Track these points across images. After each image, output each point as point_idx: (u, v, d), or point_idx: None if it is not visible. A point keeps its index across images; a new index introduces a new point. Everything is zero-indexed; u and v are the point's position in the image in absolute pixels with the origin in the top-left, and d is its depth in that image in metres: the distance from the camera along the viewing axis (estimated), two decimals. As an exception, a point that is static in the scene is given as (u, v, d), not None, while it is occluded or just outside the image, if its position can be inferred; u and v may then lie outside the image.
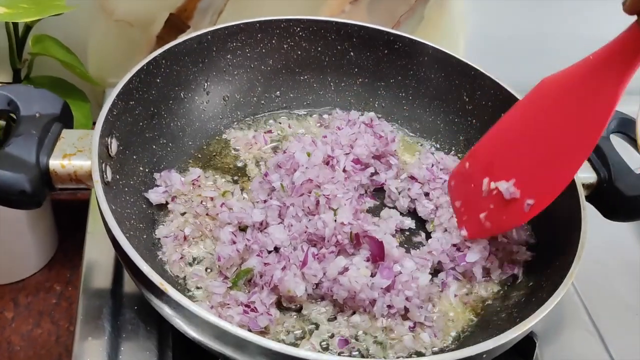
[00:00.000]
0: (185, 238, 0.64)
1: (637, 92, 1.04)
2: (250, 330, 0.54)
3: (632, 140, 0.70)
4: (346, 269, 0.59)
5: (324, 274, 0.59)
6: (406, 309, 0.58)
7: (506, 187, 0.59)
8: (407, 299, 0.58)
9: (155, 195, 0.66)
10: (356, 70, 0.82)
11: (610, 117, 0.53)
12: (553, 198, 0.56)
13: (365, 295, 0.57)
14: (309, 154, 0.69)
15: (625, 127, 0.70)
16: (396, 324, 0.58)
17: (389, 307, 0.58)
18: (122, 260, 0.53)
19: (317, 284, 0.59)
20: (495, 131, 0.66)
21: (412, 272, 0.59)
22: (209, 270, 0.62)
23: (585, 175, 0.66)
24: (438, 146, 0.80)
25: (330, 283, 0.59)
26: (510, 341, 0.49)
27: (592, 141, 0.54)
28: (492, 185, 0.61)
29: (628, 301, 0.77)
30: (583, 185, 0.64)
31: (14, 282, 0.88)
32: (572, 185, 0.62)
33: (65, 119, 0.61)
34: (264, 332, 0.56)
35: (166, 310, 0.51)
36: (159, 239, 0.64)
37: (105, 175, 0.58)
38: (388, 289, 0.59)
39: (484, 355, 0.48)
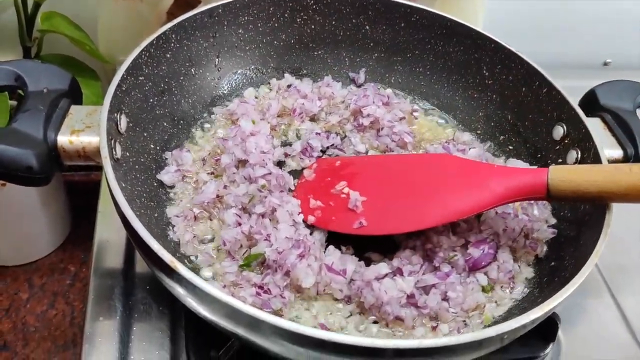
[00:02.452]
0: (195, 218, 0.63)
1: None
2: (262, 311, 0.54)
3: (660, 115, 0.69)
4: (384, 276, 0.57)
5: (361, 274, 0.58)
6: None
7: (356, 197, 0.63)
8: (446, 299, 0.57)
9: (168, 177, 0.65)
10: (372, 44, 0.81)
11: (463, 217, 0.59)
12: (379, 234, 0.61)
13: (391, 309, 0.55)
14: (254, 122, 0.69)
15: None
16: (421, 324, 0.57)
17: (419, 307, 0.57)
18: (131, 238, 0.53)
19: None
20: (381, 158, 0.71)
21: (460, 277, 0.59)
22: (220, 249, 0.61)
23: (611, 151, 0.64)
24: (456, 122, 0.78)
25: (362, 284, 0.57)
26: (531, 322, 0.47)
27: (439, 220, 0.58)
28: (346, 189, 0.64)
29: None
30: (609, 161, 0.63)
31: (28, 262, 0.91)
32: (597, 159, 0.61)
33: (74, 95, 0.61)
34: (276, 314, 0.55)
35: (178, 290, 0.50)
36: (170, 218, 0.63)
37: (114, 152, 0.57)
38: (427, 291, 0.58)
39: (505, 336, 0.47)
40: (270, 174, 0.64)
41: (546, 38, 1.05)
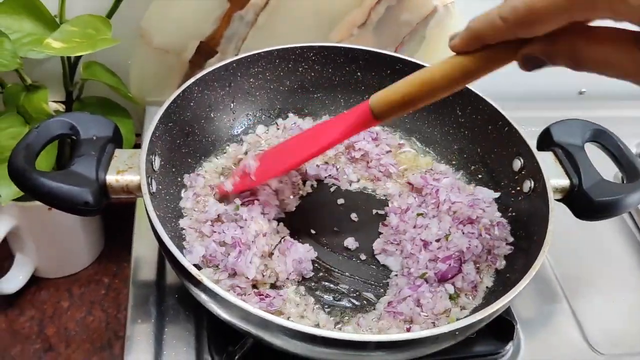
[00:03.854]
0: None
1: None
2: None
3: (605, 149, 0.76)
4: None
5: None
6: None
7: (250, 165, 0.73)
8: (419, 306, 0.65)
9: (189, 203, 0.73)
10: (363, 88, 0.88)
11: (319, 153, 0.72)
12: (266, 179, 0.74)
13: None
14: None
15: (598, 136, 0.76)
16: (397, 325, 0.65)
17: (396, 314, 0.65)
18: (166, 257, 0.61)
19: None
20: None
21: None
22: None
23: (559, 181, 0.71)
24: (435, 154, 0.86)
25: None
26: (478, 322, 0.56)
27: (304, 158, 0.71)
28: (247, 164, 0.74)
29: (603, 289, 0.83)
30: (557, 189, 0.71)
31: (69, 275, 0.96)
32: (544, 189, 0.69)
33: (117, 140, 0.68)
34: (280, 312, 0.65)
35: (202, 297, 0.58)
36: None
37: (151, 187, 0.65)
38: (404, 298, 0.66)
39: (457, 332, 0.55)
40: None
41: (519, 72, 1.13)
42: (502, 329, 0.71)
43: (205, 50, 0.94)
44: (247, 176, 0.73)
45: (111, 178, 0.64)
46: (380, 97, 0.61)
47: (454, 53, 0.55)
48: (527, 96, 1.14)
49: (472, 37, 0.51)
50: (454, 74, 0.54)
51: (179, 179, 0.76)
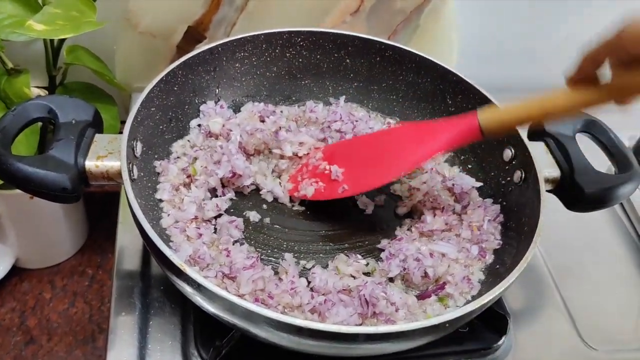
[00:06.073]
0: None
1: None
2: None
3: (596, 139, 0.76)
4: None
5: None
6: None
7: (336, 170, 0.74)
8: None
9: (167, 195, 0.71)
10: (351, 75, 0.87)
11: (419, 165, 0.74)
12: (358, 193, 0.74)
13: None
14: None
15: (589, 127, 0.75)
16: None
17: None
18: (147, 246, 0.59)
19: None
20: (353, 139, 0.80)
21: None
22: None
23: (551, 170, 0.71)
24: None
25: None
26: (468, 314, 0.55)
27: (401, 171, 0.71)
28: (328, 166, 0.75)
29: (596, 282, 0.82)
30: (547, 179, 0.70)
31: (51, 266, 0.95)
32: (536, 179, 0.68)
33: (97, 125, 0.66)
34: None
35: (187, 289, 0.56)
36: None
37: (132, 174, 0.63)
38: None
39: (447, 324, 0.54)
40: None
41: (516, 63, 1.10)
42: (495, 323, 0.70)
43: (194, 35, 0.93)
44: (335, 183, 0.73)
45: (90, 164, 0.62)
46: (492, 116, 0.64)
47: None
48: (520, 87, 1.12)
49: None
50: (575, 104, 0.58)
51: (161, 166, 0.74)
